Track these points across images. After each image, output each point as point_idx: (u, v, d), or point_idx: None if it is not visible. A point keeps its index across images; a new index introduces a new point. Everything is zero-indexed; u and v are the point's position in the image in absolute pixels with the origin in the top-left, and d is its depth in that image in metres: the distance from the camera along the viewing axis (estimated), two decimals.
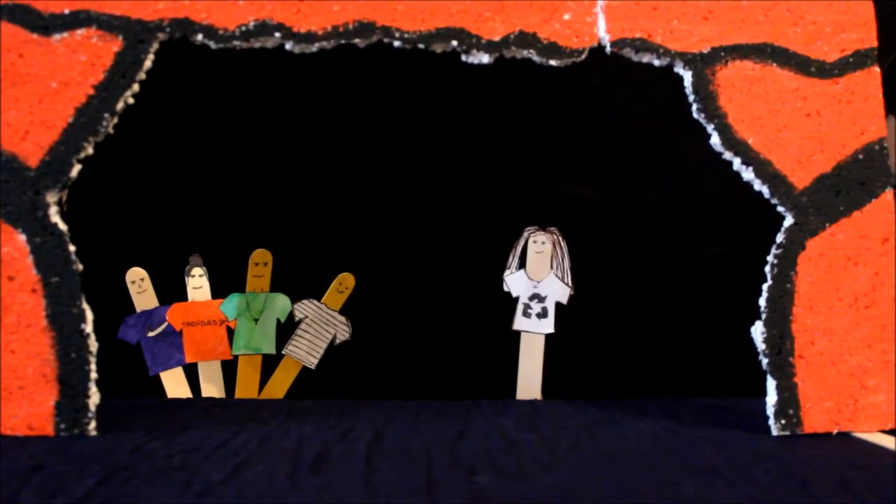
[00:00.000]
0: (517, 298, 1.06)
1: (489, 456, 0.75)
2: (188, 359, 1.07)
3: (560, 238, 1.05)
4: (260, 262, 1.08)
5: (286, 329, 1.09)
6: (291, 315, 1.08)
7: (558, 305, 1.05)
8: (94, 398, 0.80)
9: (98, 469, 0.69)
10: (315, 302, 1.08)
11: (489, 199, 1.23)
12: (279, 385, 1.08)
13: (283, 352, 1.08)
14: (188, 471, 0.69)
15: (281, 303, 1.09)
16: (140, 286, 1.06)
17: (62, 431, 0.79)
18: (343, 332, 1.08)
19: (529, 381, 1.05)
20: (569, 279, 1.04)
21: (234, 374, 1.08)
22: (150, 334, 1.06)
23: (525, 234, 1.06)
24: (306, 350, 1.08)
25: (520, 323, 1.06)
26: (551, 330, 1.05)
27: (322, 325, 1.08)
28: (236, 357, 1.08)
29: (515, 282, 1.06)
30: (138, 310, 1.07)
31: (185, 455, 0.74)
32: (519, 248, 1.06)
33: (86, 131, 0.79)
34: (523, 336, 1.06)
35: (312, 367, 1.08)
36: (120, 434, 0.80)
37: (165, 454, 0.74)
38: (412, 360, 1.23)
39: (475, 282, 1.12)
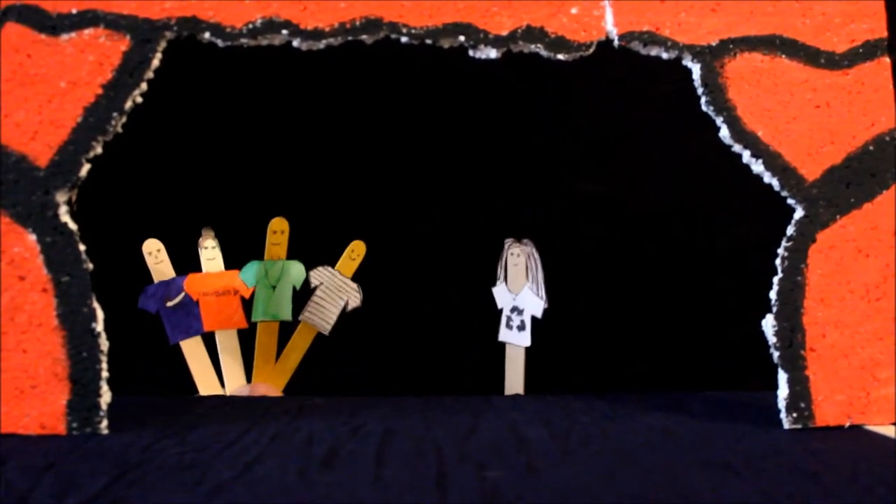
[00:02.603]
0: (502, 310, 1.07)
1: (500, 452, 0.75)
2: (206, 328, 1.09)
3: (533, 251, 1.05)
4: (278, 231, 1.09)
5: (301, 295, 1.09)
6: (306, 281, 1.09)
7: (533, 318, 1.05)
8: (106, 397, 0.80)
9: (110, 467, 0.69)
10: (329, 269, 1.10)
11: (495, 193, 1.23)
12: (296, 351, 1.10)
13: (299, 318, 1.10)
14: (199, 469, 0.69)
15: (297, 270, 1.10)
16: (157, 257, 1.07)
17: (74, 430, 0.79)
18: (354, 299, 1.09)
19: (513, 391, 1.06)
20: (542, 292, 1.04)
21: (252, 342, 1.10)
22: (169, 304, 1.07)
23: (505, 247, 1.07)
24: (321, 316, 1.09)
25: (504, 334, 1.07)
26: (528, 343, 1.05)
27: (336, 292, 1.09)
28: (253, 325, 1.09)
29: (499, 294, 1.07)
30: (156, 280, 1.08)
31: (196, 453, 0.74)
32: (503, 260, 1.07)
33: (94, 131, 0.79)
34: (507, 347, 1.07)
35: (326, 332, 1.09)
36: (131, 432, 0.80)
37: (177, 452, 0.74)
38: (420, 356, 1.23)
39: (482, 276, 1.12)
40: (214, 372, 1.08)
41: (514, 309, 1.05)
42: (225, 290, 1.09)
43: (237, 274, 1.09)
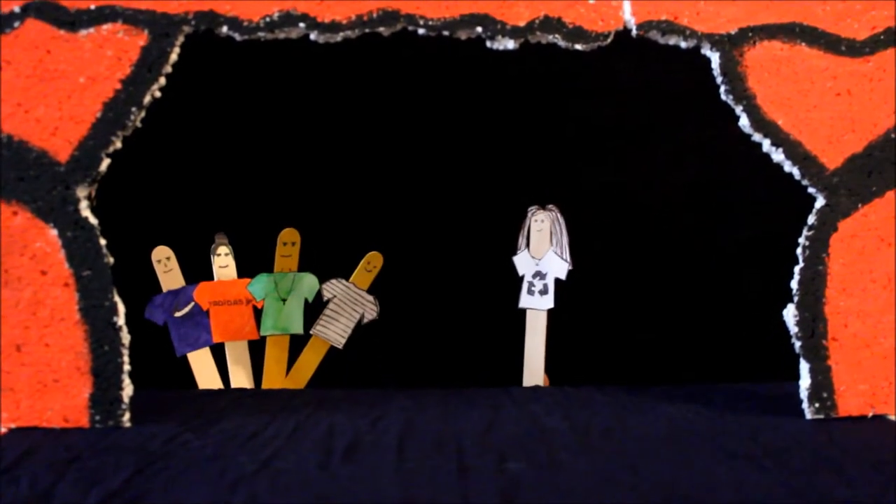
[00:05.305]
0: (523, 277, 1.07)
1: (520, 443, 0.75)
2: (215, 339, 1.06)
3: (558, 215, 1.05)
4: (288, 242, 1.06)
5: (314, 308, 1.08)
6: (319, 294, 1.07)
7: (557, 281, 1.06)
8: (128, 390, 0.81)
9: (133, 460, 0.70)
10: (343, 281, 1.07)
11: (518, 186, 1.22)
12: (307, 365, 1.08)
13: (311, 332, 1.07)
14: (221, 461, 0.70)
15: (309, 282, 1.07)
16: (166, 265, 1.04)
17: (97, 423, 0.80)
18: (371, 312, 1.07)
19: (533, 358, 1.05)
20: (567, 255, 1.04)
21: (262, 355, 1.08)
22: (177, 314, 1.05)
23: (528, 214, 1.07)
24: (334, 330, 1.07)
25: (524, 301, 1.07)
26: (551, 305, 1.05)
27: (350, 305, 1.07)
28: (264, 338, 1.07)
29: (521, 261, 1.07)
30: (165, 289, 1.05)
31: (218, 445, 0.74)
32: (525, 229, 1.07)
33: (114, 125, 0.79)
34: (528, 313, 1.06)
35: (340, 346, 1.07)
36: (154, 425, 0.80)
37: (199, 445, 0.74)
38: (440, 349, 1.22)
39: (500, 269, 1.12)
40: (222, 384, 1.06)
41: (537, 274, 1.05)
42: (237, 300, 1.06)
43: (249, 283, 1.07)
